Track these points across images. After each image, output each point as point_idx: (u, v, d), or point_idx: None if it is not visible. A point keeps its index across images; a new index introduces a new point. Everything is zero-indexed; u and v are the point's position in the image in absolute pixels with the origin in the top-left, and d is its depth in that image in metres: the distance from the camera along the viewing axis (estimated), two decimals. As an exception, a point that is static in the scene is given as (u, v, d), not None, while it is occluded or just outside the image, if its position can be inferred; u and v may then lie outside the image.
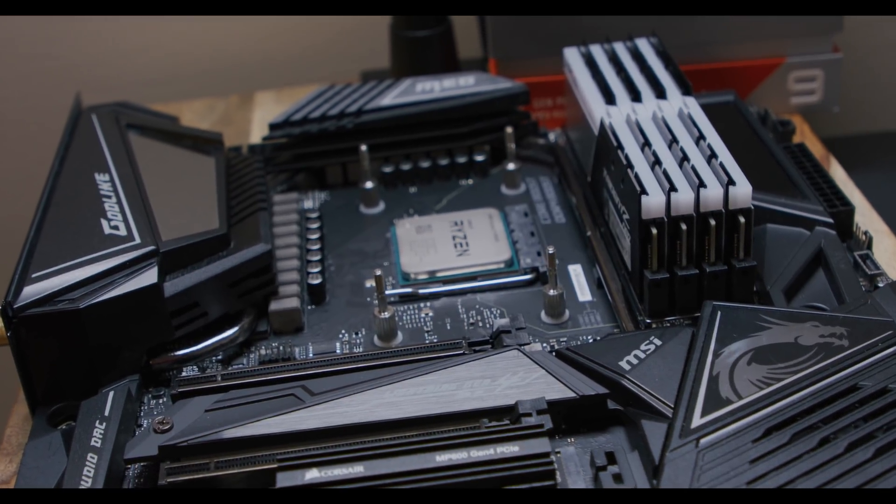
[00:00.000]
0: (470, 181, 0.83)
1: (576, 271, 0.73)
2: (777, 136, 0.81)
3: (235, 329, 0.68)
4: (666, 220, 0.64)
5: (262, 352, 0.68)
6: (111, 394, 0.63)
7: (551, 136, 0.86)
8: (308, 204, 0.82)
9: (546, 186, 0.82)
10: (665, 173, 0.65)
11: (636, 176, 0.65)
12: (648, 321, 0.66)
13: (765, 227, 0.70)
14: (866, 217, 0.78)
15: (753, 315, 0.62)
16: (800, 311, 0.64)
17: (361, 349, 0.68)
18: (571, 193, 0.79)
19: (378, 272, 0.66)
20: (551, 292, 0.68)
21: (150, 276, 0.65)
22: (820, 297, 0.67)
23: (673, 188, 0.64)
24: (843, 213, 0.72)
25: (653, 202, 0.64)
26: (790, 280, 0.67)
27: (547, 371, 0.61)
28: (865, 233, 0.71)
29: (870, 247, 0.71)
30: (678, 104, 0.73)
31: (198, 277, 0.66)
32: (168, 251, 0.66)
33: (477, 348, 0.64)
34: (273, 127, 0.82)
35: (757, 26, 0.88)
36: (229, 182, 0.76)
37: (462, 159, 0.83)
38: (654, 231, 0.64)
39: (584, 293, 0.71)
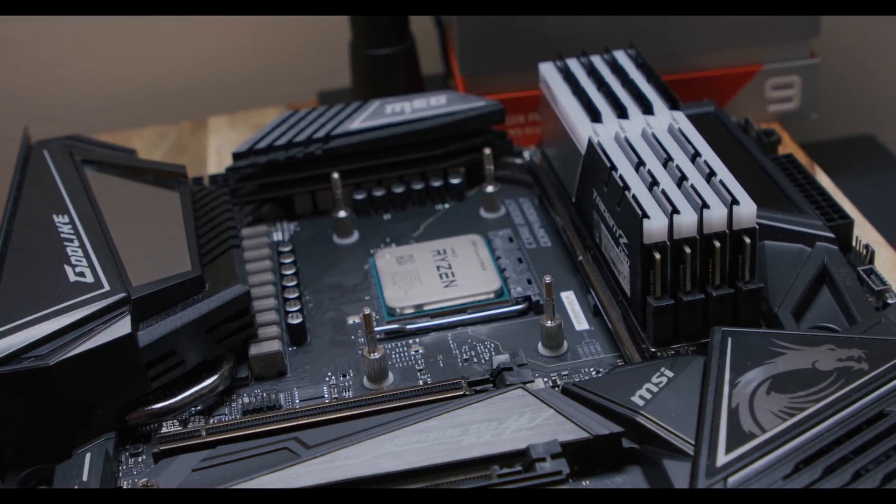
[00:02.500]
0: (446, 205, 0.80)
1: (568, 298, 0.69)
2: (762, 147, 0.78)
3: (215, 377, 0.64)
4: (669, 243, 0.61)
5: (245, 400, 0.64)
6: (88, 455, 0.59)
7: (525, 154, 0.83)
8: (277, 236, 0.78)
9: (526, 208, 0.78)
10: (664, 194, 0.62)
11: (634, 198, 0.62)
12: (653, 350, 0.63)
13: (763, 244, 0.67)
14: (860, 228, 0.75)
15: (766, 340, 0.59)
16: (813, 333, 0.61)
17: (351, 393, 0.64)
18: (556, 215, 0.75)
19: (367, 310, 0.63)
20: (549, 323, 0.65)
21: (122, 326, 0.60)
22: (828, 317, 0.64)
23: (675, 210, 0.61)
24: (842, 226, 0.69)
25: (655, 226, 0.61)
26: (797, 300, 0.64)
27: (556, 410, 0.57)
28: (866, 246, 0.68)
29: (871, 261, 0.68)
30: (667, 119, 0.70)
31: (173, 324, 0.62)
32: (140, 298, 0.62)
33: (478, 388, 0.61)
34: (237, 156, 0.78)
35: (732, 33, 0.85)
36: (197, 218, 0.71)
37: (437, 183, 0.80)
38: (658, 256, 0.61)
39: (580, 322, 0.67)
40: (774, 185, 0.72)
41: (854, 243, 0.69)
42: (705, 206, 0.61)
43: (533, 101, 0.85)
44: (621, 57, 0.77)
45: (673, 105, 0.71)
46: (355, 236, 0.77)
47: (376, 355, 0.63)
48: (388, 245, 0.76)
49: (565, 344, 0.65)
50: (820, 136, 1.00)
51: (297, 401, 0.64)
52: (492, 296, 0.69)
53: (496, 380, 0.61)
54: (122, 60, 1.01)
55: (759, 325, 0.63)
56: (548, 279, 0.64)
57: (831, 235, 0.67)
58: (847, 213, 0.70)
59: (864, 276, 0.66)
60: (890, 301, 0.64)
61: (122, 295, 0.61)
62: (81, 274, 0.63)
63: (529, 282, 0.70)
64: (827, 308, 0.64)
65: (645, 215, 0.61)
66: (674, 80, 0.85)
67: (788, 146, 0.85)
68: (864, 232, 0.75)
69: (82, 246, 0.65)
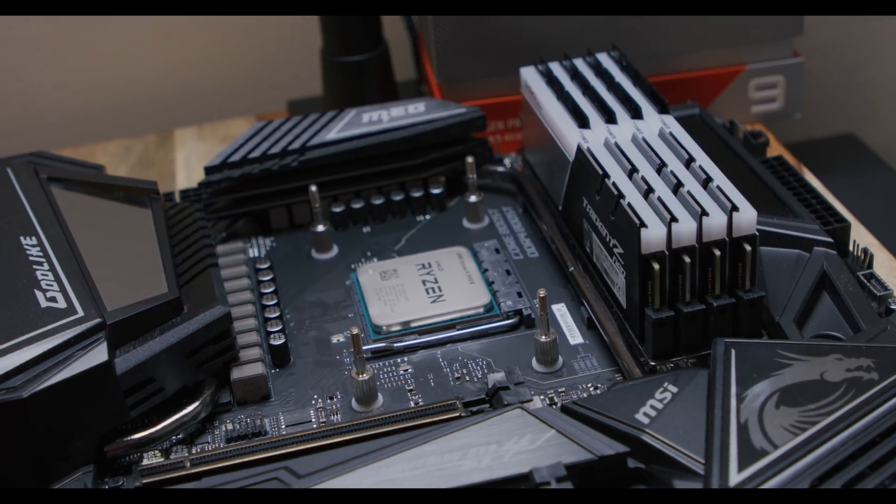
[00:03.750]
0: (427, 216, 0.77)
1: (560, 311, 0.67)
2: (749, 150, 0.76)
3: (196, 404, 0.61)
4: (667, 253, 0.59)
5: (229, 427, 0.61)
6: (65, 492, 0.56)
7: (506, 162, 0.80)
8: (252, 252, 0.75)
9: (511, 217, 0.76)
10: (661, 202, 0.60)
11: (630, 206, 0.60)
12: (653, 363, 0.60)
13: (759, 250, 0.65)
14: (853, 231, 0.73)
15: (770, 351, 0.57)
16: (819, 343, 0.59)
17: (340, 416, 0.61)
18: (542, 224, 0.73)
19: (355, 330, 0.60)
20: (543, 338, 0.62)
21: (99, 354, 0.57)
22: (831, 325, 0.62)
23: (674, 218, 0.58)
24: (838, 229, 0.67)
25: (653, 235, 0.58)
26: (799, 308, 0.62)
27: (557, 431, 0.55)
28: (865, 250, 0.66)
29: (871, 265, 0.66)
30: (656, 124, 0.68)
31: (151, 350, 0.59)
32: (116, 323, 0.59)
33: (474, 409, 0.58)
34: (209, 170, 0.75)
35: (714, 33, 0.83)
36: (171, 236, 0.68)
37: (417, 193, 0.77)
38: (656, 266, 0.59)
39: (574, 335, 0.65)
40: (767, 188, 0.70)
41: (851, 247, 0.67)
42: (704, 213, 0.59)
43: (513, 106, 0.83)
44: (604, 59, 0.75)
45: (662, 109, 0.69)
46: (335, 251, 0.74)
47: (365, 376, 0.61)
48: (370, 259, 0.73)
49: (560, 359, 0.63)
50: (799, 136, 0.98)
51: (284, 426, 0.61)
52: (481, 310, 0.66)
53: (492, 399, 0.59)
54: (82, 71, 0.98)
55: (760, 335, 0.62)
56: (542, 293, 0.61)
57: (829, 240, 0.65)
58: (843, 217, 0.68)
59: (865, 280, 0.64)
60: (893, 306, 0.63)
61: (97, 320, 0.58)
62: (53, 299, 0.60)
63: (520, 295, 0.67)
64: (829, 316, 0.63)
65: (642, 224, 0.58)
66: (655, 81, 0.82)
67: (775, 147, 0.84)
68: (858, 234, 0.73)
69: (52, 269, 0.62)
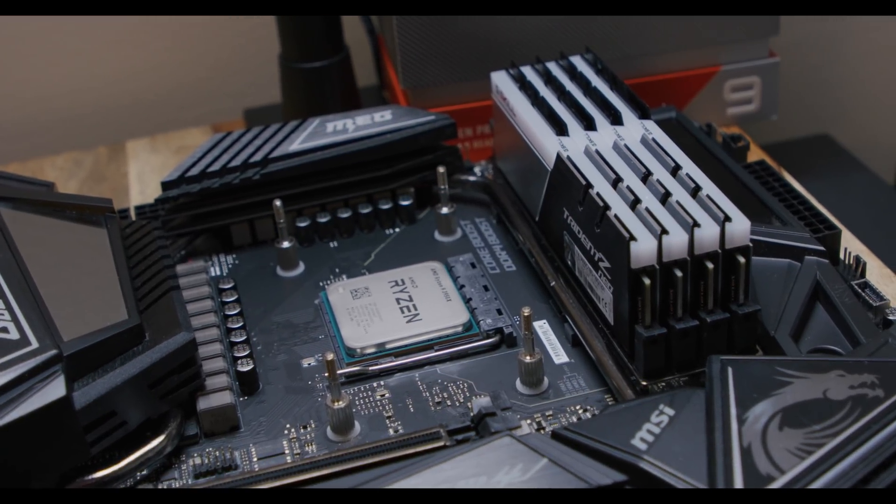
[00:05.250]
0: (397, 229, 0.74)
1: (543, 328, 0.64)
2: (730, 154, 0.73)
3: (161, 438, 0.57)
4: (658, 267, 0.56)
5: (196, 461, 0.57)
6: (23, 539, 0.52)
7: (476, 170, 0.77)
8: (214, 271, 0.71)
9: (484, 229, 0.73)
10: (650, 213, 0.57)
11: (617, 218, 0.57)
12: (644, 383, 0.57)
13: (749, 260, 0.63)
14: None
15: (769, 368, 0.54)
16: (819, 359, 0.56)
17: (315, 447, 0.58)
18: (519, 235, 0.70)
19: (330, 356, 0.56)
20: (528, 359, 0.59)
21: (56, 389, 0.53)
22: (828, 338, 0.59)
23: (664, 231, 0.56)
24: (829, 237, 0.65)
25: (643, 248, 0.55)
26: (794, 322, 0.59)
27: (550, 460, 0.52)
28: (857, 258, 0.64)
29: (863, 273, 0.64)
30: (638, 129, 0.65)
31: (112, 381, 0.55)
32: (73, 354, 0.55)
33: (459, 437, 0.55)
34: (166, 185, 0.71)
35: (689, 34, 0.81)
36: (129, 258, 0.64)
37: (386, 205, 0.73)
38: (647, 281, 0.56)
39: (558, 354, 0.62)
40: (753, 195, 0.67)
41: (843, 255, 0.65)
42: (696, 224, 0.56)
43: (482, 112, 0.80)
44: (579, 62, 0.72)
45: (642, 113, 0.66)
46: (301, 268, 0.71)
47: (341, 404, 0.57)
48: (339, 276, 0.70)
49: (546, 380, 0.60)
50: (773, 138, 0.96)
51: (255, 459, 0.57)
52: (460, 329, 0.63)
53: (478, 426, 0.56)
54: (28, 81, 0.93)
55: (755, 351, 0.59)
56: (527, 311, 0.58)
57: (821, 248, 0.63)
58: (833, 223, 0.65)
59: (859, 290, 0.62)
60: (891, 317, 0.60)
61: (54, 352, 0.54)
62: (4, 329, 0.56)
63: (499, 312, 0.64)
64: (825, 328, 0.60)
65: (632, 237, 0.55)
66: (628, 84, 0.79)
67: (754, 151, 0.81)
68: (845, 240, 0.71)
69: (3, 297, 0.58)
